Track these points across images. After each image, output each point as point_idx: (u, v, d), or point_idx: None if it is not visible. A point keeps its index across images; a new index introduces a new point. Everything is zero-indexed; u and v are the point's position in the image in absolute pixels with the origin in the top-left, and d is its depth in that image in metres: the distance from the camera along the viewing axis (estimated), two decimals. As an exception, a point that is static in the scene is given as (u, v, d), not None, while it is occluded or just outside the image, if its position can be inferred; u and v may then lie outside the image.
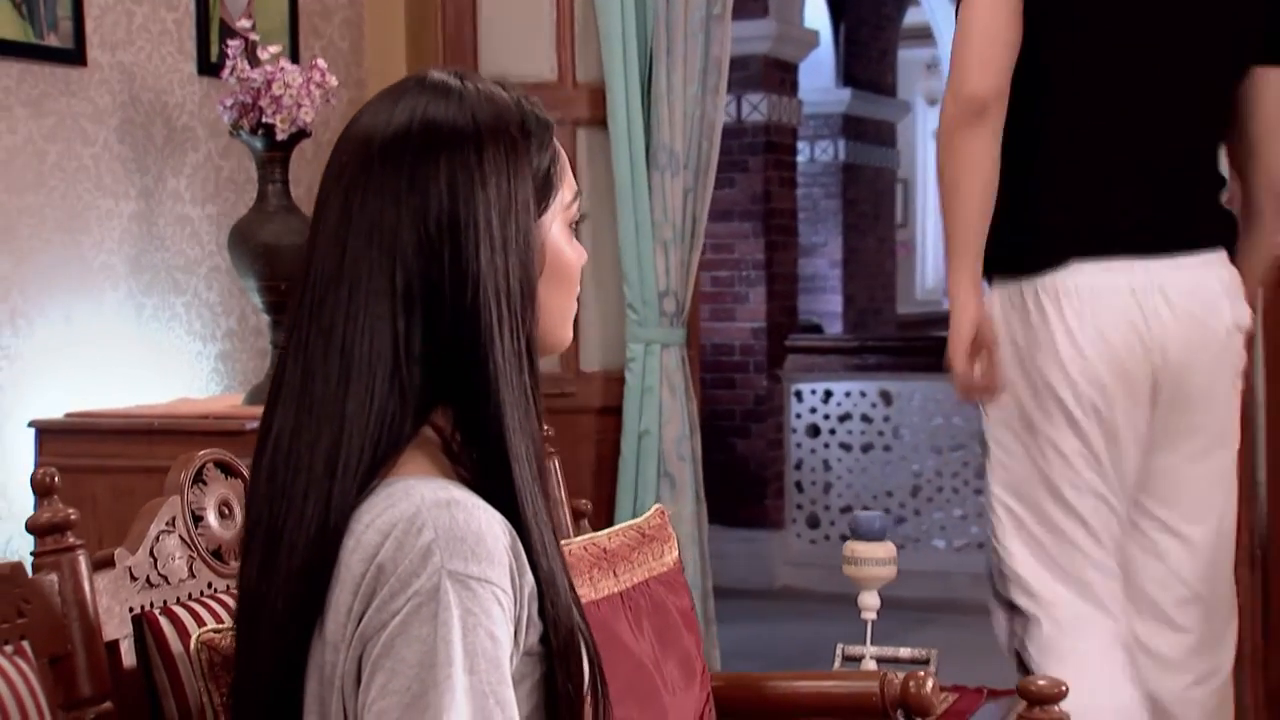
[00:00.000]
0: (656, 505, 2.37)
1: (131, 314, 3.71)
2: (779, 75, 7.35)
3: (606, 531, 2.26)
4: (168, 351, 3.82)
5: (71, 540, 1.65)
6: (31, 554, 1.64)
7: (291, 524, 1.38)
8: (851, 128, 10.38)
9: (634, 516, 4.28)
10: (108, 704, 1.66)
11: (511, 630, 1.36)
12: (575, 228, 1.52)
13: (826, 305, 10.24)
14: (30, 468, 3.34)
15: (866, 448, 7.11)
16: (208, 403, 3.65)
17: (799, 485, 7.21)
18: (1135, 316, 2.65)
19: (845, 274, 10.30)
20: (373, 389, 1.38)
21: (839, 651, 2.84)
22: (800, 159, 10.31)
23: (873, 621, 2.72)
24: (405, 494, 1.35)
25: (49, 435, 3.34)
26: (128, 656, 1.70)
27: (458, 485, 1.39)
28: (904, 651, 2.84)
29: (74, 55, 3.58)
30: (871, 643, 2.83)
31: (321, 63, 3.51)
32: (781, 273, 7.37)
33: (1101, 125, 2.70)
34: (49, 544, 1.64)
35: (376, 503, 1.36)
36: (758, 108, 7.20)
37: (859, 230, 10.51)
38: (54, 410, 3.43)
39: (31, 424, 3.36)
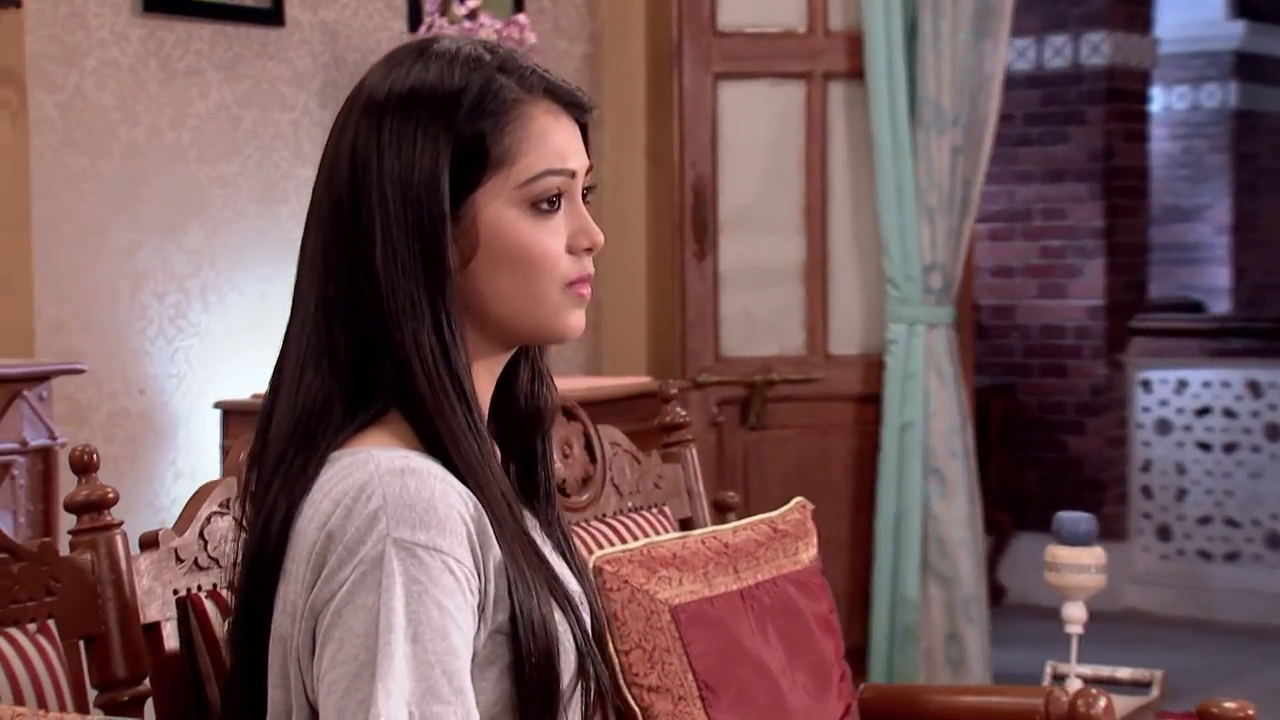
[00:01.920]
0: (798, 499, 2.47)
1: (334, 290, 3.98)
2: (1126, 10, 7.23)
3: (733, 525, 2.39)
4: (373, 330, 4.07)
5: (109, 519, 1.87)
6: (69, 533, 1.87)
7: (249, 487, 1.62)
8: (1247, 67, 10.08)
9: (896, 518, 4.38)
10: (144, 685, 1.87)
11: (473, 602, 1.51)
12: (537, 206, 1.60)
13: (1211, 279, 9.96)
14: (217, 450, 3.66)
15: (1230, 447, 6.93)
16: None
17: (1146, 490, 7.10)
18: None
19: (1236, 242, 10.01)
20: (303, 350, 1.59)
21: (1048, 670, 2.90)
22: (1180, 105, 10.08)
23: (1079, 636, 2.77)
24: (363, 463, 1.53)
25: (234, 417, 3.64)
26: (170, 639, 1.91)
27: (421, 455, 1.56)
28: (1123, 672, 2.88)
29: (271, 15, 3.88)
30: (1100, 662, 2.88)
31: (522, 18, 3.72)
32: (1126, 242, 7.19)
33: None
34: (85, 522, 1.86)
35: (336, 472, 1.55)
36: (1099, 49, 7.10)
37: (1256, 190, 10.19)
38: (244, 391, 3.73)
39: (217, 405, 3.67)
